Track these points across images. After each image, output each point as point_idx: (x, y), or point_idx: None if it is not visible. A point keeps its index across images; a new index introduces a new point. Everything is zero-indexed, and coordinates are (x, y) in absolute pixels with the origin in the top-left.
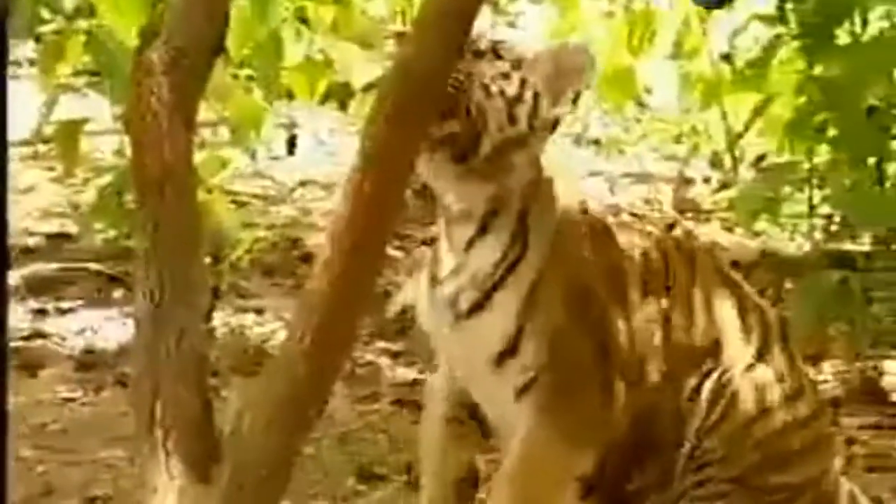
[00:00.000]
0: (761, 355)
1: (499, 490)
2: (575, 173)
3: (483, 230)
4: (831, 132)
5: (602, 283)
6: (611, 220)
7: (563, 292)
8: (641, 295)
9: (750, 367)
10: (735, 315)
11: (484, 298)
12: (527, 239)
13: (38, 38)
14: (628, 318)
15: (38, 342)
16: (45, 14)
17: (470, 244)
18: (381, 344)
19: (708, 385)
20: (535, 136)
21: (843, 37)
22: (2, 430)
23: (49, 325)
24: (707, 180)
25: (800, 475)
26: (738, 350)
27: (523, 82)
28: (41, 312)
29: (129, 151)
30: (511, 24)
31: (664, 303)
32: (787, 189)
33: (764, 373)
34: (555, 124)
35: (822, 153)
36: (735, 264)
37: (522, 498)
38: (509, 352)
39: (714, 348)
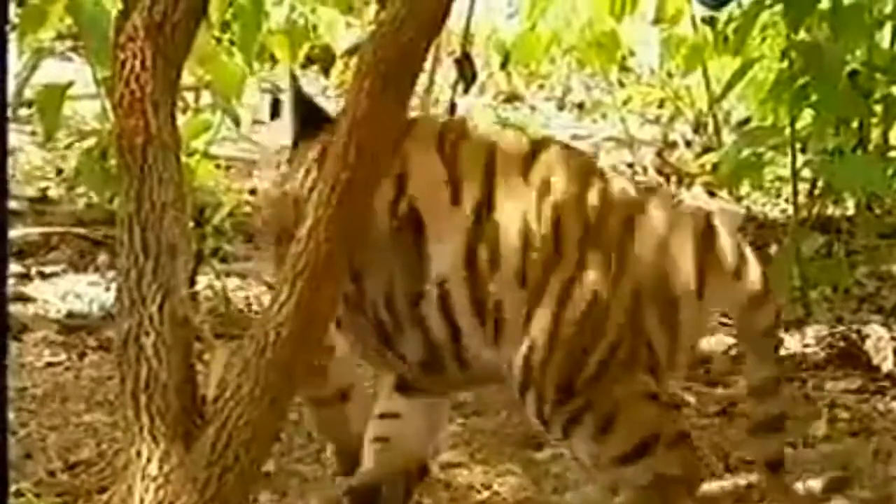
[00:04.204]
0: None
1: None
2: None
3: None
4: (813, 96)
5: None
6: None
7: None
8: None
9: None
10: None
11: None
12: None
13: (21, 2)
14: None
15: (22, 306)
16: None
17: None
18: None
19: None
20: None
21: (825, 0)
22: (2, 420)
23: (32, 289)
24: (689, 144)
25: None
26: None
27: None
28: (24, 276)
29: (111, 115)
30: None
31: None
32: (770, 153)
33: None
34: None
35: (806, 117)
36: None
37: None
38: None
39: None
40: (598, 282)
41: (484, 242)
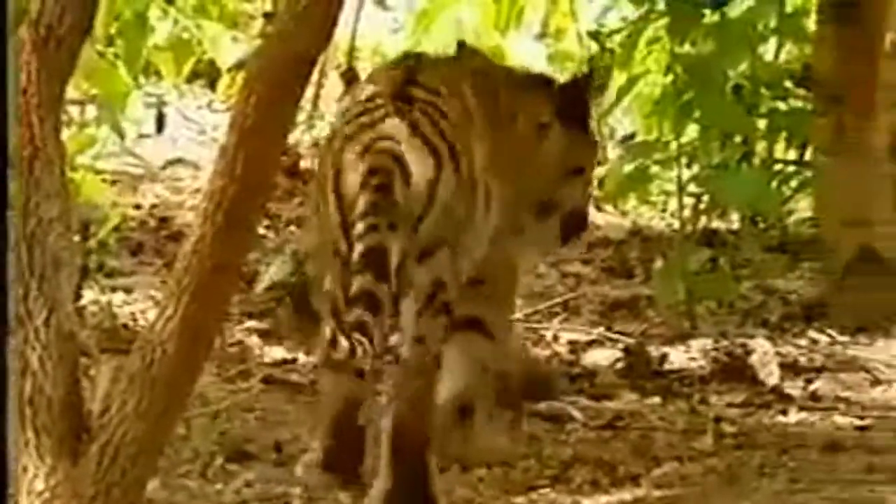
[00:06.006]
0: None
1: None
2: None
3: None
4: (698, 110)
5: None
6: None
7: None
8: None
9: None
10: None
11: None
12: None
13: None
14: None
15: None
16: None
17: None
18: (251, 323)
19: None
20: None
21: (710, 15)
22: (2, 424)
23: None
24: None
25: None
26: None
27: None
28: None
29: None
30: (380, 3)
31: None
32: (655, 167)
33: None
34: None
35: (692, 132)
36: (605, 242)
37: None
38: None
39: None
40: None
41: None
